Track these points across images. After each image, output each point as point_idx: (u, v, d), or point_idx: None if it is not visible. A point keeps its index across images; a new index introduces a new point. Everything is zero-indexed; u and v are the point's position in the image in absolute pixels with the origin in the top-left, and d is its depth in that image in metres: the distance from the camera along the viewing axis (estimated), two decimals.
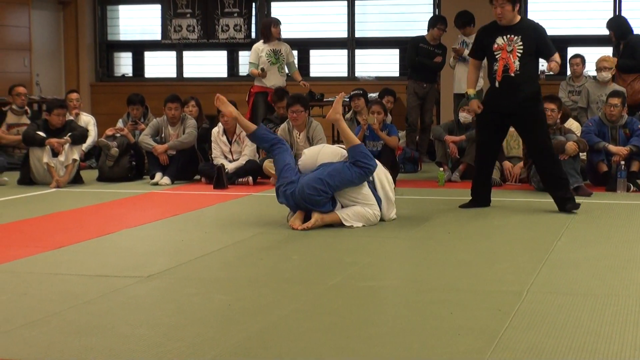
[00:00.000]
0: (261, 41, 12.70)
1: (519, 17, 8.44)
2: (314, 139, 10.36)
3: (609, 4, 14.08)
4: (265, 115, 12.36)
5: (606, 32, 12.43)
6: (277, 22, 12.73)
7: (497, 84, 8.43)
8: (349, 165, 7.61)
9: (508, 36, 8.34)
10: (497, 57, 8.37)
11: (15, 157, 12.26)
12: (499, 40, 8.37)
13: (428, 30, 12.92)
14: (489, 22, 8.63)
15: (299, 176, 7.68)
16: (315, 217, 7.55)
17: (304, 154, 7.96)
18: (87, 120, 12.58)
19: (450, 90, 13.03)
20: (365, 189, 7.74)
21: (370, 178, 7.82)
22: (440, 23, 12.85)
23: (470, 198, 8.75)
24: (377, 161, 7.98)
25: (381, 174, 8.03)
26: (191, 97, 12.12)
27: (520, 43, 8.30)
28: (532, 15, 14.02)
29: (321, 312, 4.93)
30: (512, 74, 8.32)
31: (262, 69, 12.40)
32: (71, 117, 11.84)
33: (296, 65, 13.02)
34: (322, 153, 7.89)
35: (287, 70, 12.72)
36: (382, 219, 7.85)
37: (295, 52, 13.27)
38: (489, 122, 8.56)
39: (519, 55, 8.29)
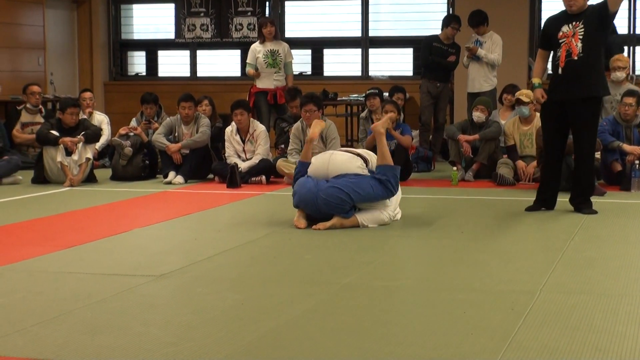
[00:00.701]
0: (258, 42, 12.68)
1: (587, 5, 8.24)
2: (328, 138, 10.37)
3: (624, 3, 14.04)
4: (269, 114, 12.40)
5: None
6: (265, 23, 12.65)
7: (560, 71, 8.22)
8: (375, 183, 7.59)
9: (574, 23, 8.16)
10: (561, 44, 8.18)
11: (29, 156, 12.31)
12: (564, 28, 8.18)
13: (442, 30, 12.90)
14: (558, 12, 8.47)
15: (316, 182, 7.64)
16: (334, 221, 7.54)
17: (313, 163, 7.88)
18: (100, 119, 12.61)
19: (464, 90, 13.00)
20: None
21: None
22: (454, 22, 12.83)
23: (535, 198, 8.55)
24: None
25: None
26: (204, 96, 12.15)
27: (582, 27, 8.11)
28: (543, 14, 14.02)
29: (334, 312, 4.93)
30: (576, 57, 8.11)
31: (257, 69, 12.42)
32: (84, 116, 11.86)
33: (292, 69, 12.84)
34: (333, 161, 7.75)
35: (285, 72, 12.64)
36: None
37: (307, 51, 13.23)
38: (552, 117, 8.34)
39: (581, 37, 8.09)
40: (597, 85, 8.25)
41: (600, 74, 8.33)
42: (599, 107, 8.58)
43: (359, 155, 7.82)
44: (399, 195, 8.00)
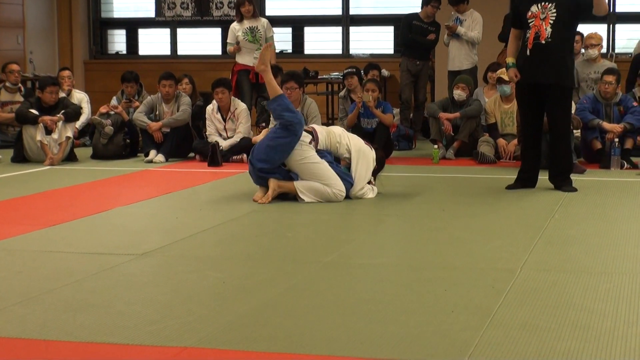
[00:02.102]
0: (236, 21, 12.63)
1: None
2: (309, 116, 10.35)
3: None
4: (250, 92, 12.36)
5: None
6: (243, 2, 12.56)
7: (528, 52, 8.21)
8: (274, 130, 7.82)
9: (542, 4, 8.14)
10: (530, 24, 8.17)
11: (8, 134, 12.24)
12: (534, 8, 8.17)
13: (422, 8, 12.89)
14: None
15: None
16: (272, 186, 7.72)
17: None
18: (80, 97, 12.54)
19: (444, 68, 13.00)
20: (319, 168, 7.76)
21: (329, 157, 7.87)
22: (434, 0, 12.81)
23: (516, 177, 8.56)
24: (360, 140, 8.05)
25: (364, 149, 8.05)
26: (185, 74, 12.10)
27: (554, 10, 8.10)
28: None
29: (316, 290, 4.95)
30: (543, 41, 8.11)
31: (237, 43, 12.36)
32: (64, 95, 11.80)
33: (274, 44, 12.77)
34: None
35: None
36: (350, 196, 7.89)
37: (288, 29, 13.16)
38: (526, 99, 8.39)
39: (551, 22, 8.08)
40: (563, 74, 8.20)
41: (566, 62, 8.25)
42: (570, 89, 8.54)
43: (310, 132, 7.94)
44: (367, 172, 7.96)
